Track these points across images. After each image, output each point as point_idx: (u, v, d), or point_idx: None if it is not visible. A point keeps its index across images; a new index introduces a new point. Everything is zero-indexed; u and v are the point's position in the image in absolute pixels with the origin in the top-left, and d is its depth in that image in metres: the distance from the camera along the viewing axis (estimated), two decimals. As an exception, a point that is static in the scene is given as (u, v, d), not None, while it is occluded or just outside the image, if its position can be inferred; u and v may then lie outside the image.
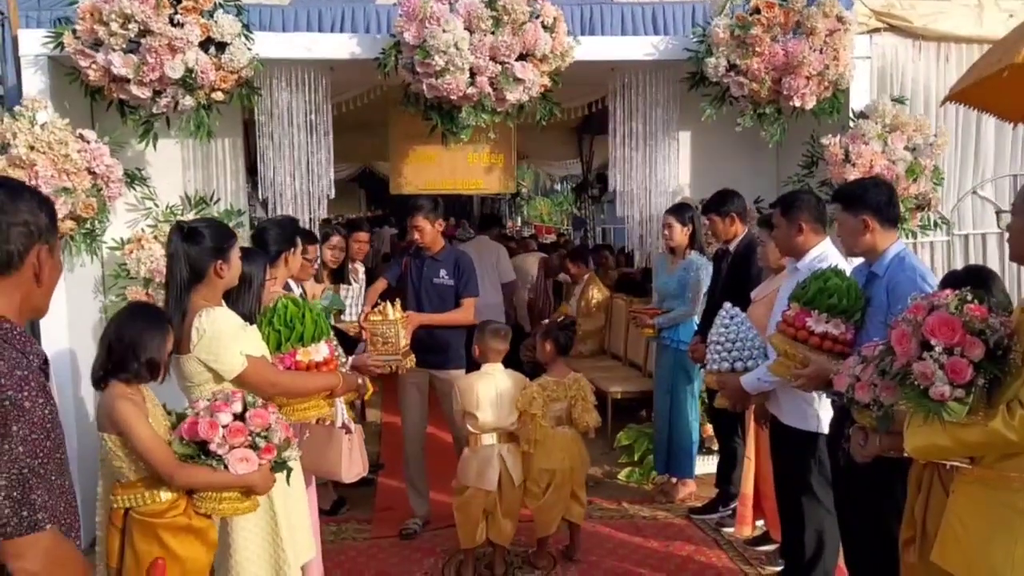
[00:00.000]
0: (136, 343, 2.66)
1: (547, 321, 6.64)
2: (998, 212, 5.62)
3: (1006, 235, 2.37)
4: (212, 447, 2.58)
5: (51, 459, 1.58)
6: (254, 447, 2.62)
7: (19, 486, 1.52)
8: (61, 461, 1.61)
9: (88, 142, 4.51)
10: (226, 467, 2.59)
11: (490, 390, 4.21)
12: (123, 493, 2.68)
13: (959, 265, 5.57)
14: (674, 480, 5.36)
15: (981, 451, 2.11)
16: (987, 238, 5.74)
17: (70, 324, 4.64)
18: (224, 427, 2.59)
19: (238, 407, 2.65)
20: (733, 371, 3.74)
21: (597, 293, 7.73)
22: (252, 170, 5.53)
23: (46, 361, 1.70)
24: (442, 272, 4.86)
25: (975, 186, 5.68)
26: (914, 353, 2.10)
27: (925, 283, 3.11)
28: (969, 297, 2.10)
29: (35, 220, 1.69)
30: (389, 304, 4.30)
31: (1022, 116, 3.41)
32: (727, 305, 3.88)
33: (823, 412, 3.52)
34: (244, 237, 4.70)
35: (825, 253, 3.63)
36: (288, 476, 2.75)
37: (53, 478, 1.57)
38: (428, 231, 4.82)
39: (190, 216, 4.86)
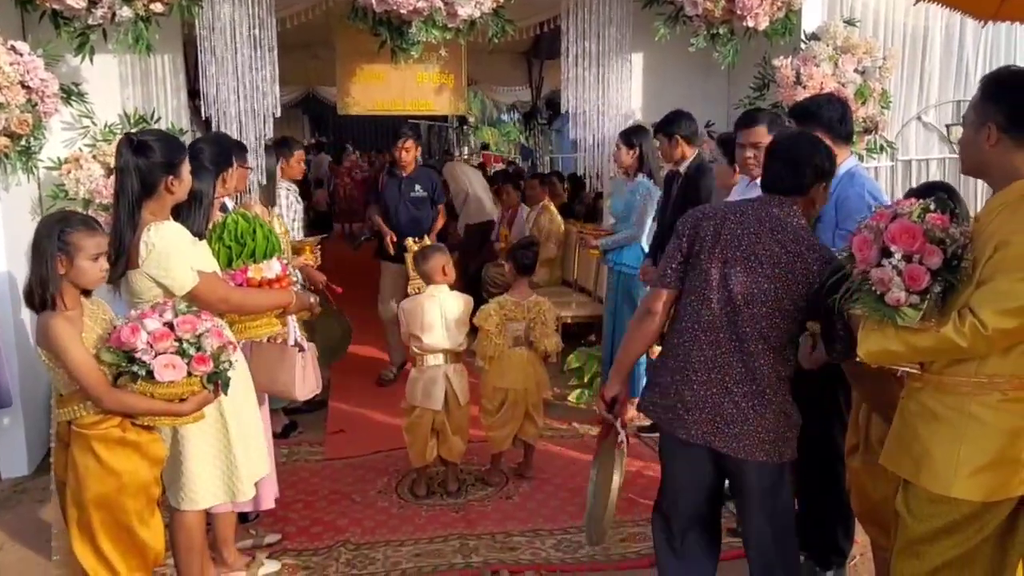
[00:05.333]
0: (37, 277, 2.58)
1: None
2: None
3: (957, 148, 2.39)
4: (137, 354, 2.51)
5: None
6: (183, 355, 2.54)
7: None
8: None
9: (21, 55, 4.31)
10: (151, 375, 2.51)
11: (435, 311, 4.19)
12: (63, 406, 2.65)
13: (903, 190, 5.68)
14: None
15: (932, 356, 2.15)
16: (930, 163, 5.84)
17: (6, 245, 4.49)
18: (149, 332, 2.51)
19: (169, 315, 2.57)
20: None
21: (548, 221, 7.61)
22: (195, 92, 5.35)
23: None
24: (417, 187, 6.05)
25: (920, 111, 5.75)
26: (874, 260, 2.11)
27: (873, 199, 3.15)
28: (932, 207, 2.12)
29: None
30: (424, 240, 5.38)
31: (991, 14, 3.38)
32: None
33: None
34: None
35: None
36: (225, 388, 2.69)
37: None
38: (413, 152, 5.98)
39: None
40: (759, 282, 2.56)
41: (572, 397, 5.78)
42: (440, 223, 6.26)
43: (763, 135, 3.56)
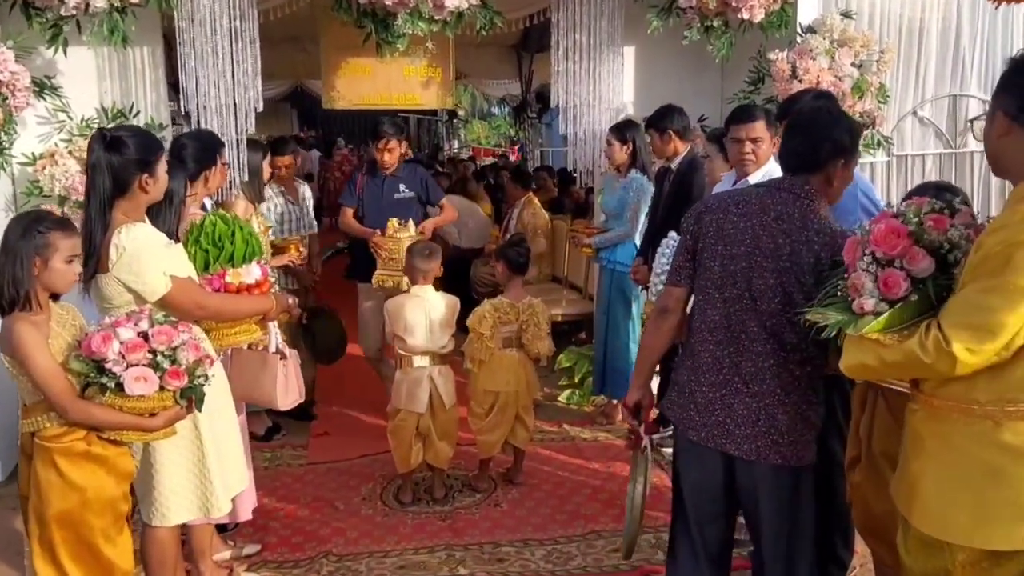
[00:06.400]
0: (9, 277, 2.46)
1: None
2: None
3: (980, 144, 2.22)
4: (107, 364, 2.39)
5: None
6: (157, 368, 2.43)
7: None
8: None
9: (-11, 47, 4.16)
10: (121, 387, 2.39)
11: (419, 313, 4.07)
12: (27, 417, 2.53)
13: (897, 187, 5.58)
14: (614, 402, 5.34)
15: (904, 373, 1.99)
16: (926, 159, 5.74)
17: (-21, 244, 4.34)
18: (121, 342, 2.40)
19: (144, 324, 2.46)
20: None
21: (531, 216, 7.44)
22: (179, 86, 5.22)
23: None
24: (402, 187, 5.07)
25: (915, 106, 5.65)
26: (858, 263, 1.99)
27: (867, 198, 3.05)
28: (937, 206, 1.97)
29: None
30: (411, 222, 4.75)
31: None
32: (673, 235, 3.71)
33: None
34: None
35: (773, 169, 3.54)
36: (199, 404, 2.56)
37: None
38: (397, 153, 5.01)
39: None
40: (765, 277, 2.42)
41: (563, 397, 5.67)
42: (445, 218, 5.30)
43: (762, 130, 3.45)
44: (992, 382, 1.82)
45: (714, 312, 2.51)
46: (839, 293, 1.97)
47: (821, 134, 2.46)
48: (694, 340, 2.58)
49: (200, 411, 2.58)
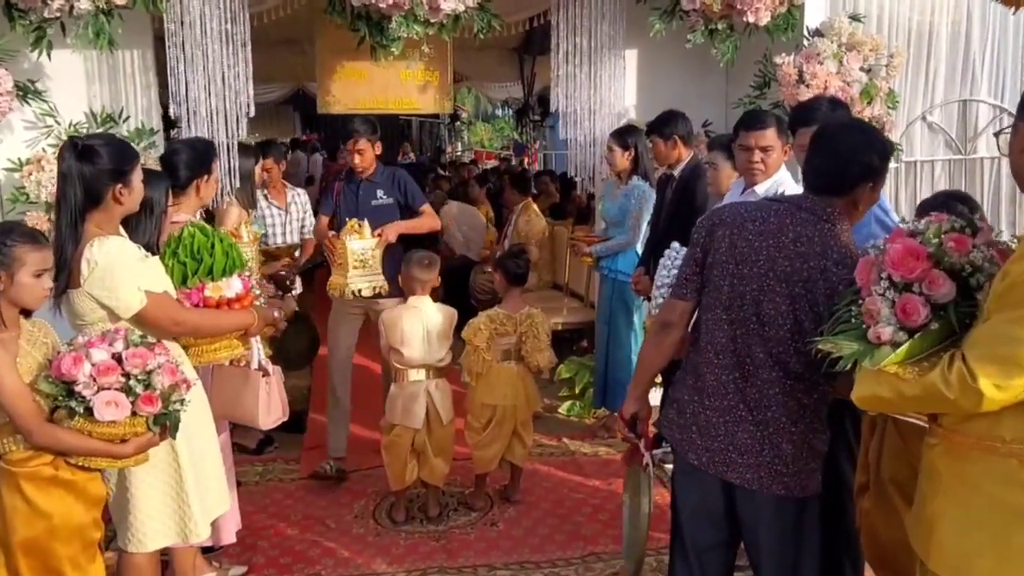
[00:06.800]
0: None
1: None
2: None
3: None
4: (77, 387, 2.27)
5: None
6: (129, 392, 2.30)
7: None
8: None
9: (-31, 50, 4.04)
10: (91, 411, 2.27)
11: (416, 324, 3.94)
12: None
13: (906, 194, 5.46)
14: (615, 414, 5.20)
15: (923, 408, 1.85)
16: (935, 165, 5.61)
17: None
18: (93, 364, 2.27)
19: (119, 345, 2.33)
20: None
21: (525, 224, 7.27)
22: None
23: None
24: (379, 193, 4.58)
25: (924, 111, 5.51)
26: (873, 288, 1.85)
27: (881, 209, 2.91)
28: (958, 225, 1.83)
29: None
30: (366, 222, 4.21)
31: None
32: (675, 245, 3.54)
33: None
34: (156, 159, 4.32)
35: (783, 178, 3.41)
36: (173, 431, 2.44)
37: None
38: (369, 154, 4.53)
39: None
40: (776, 303, 2.28)
41: (563, 409, 5.54)
42: (417, 225, 4.56)
43: (773, 138, 3.32)
44: (1019, 419, 1.68)
45: (721, 334, 2.38)
46: (853, 320, 1.82)
47: (851, 155, 2.30)
48: (699, 360, 2.44)
49: (174, 438, 2.45)
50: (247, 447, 4.80)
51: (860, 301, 1.87)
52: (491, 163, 16.26)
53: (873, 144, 2.34)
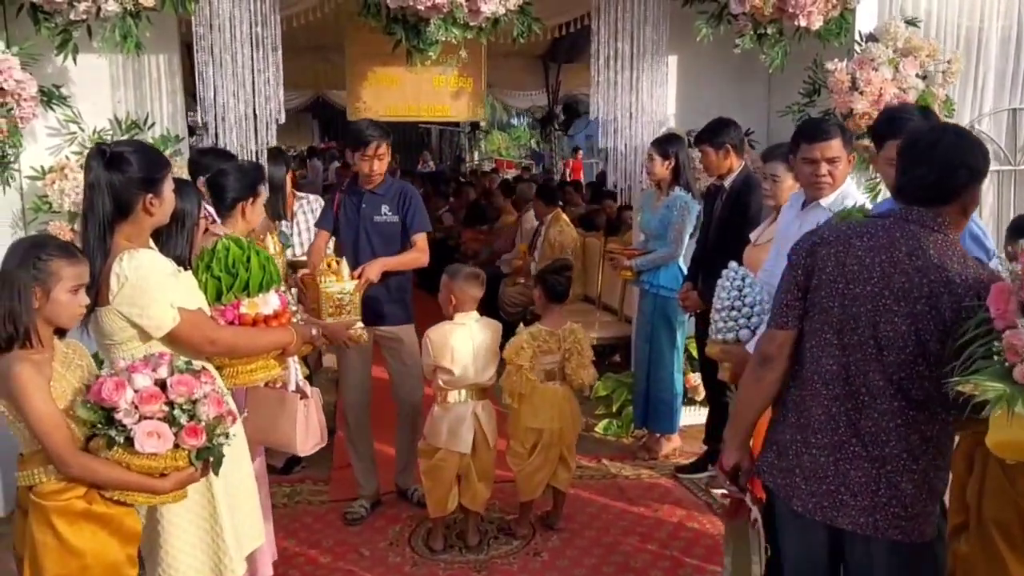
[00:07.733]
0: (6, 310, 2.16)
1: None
2: None
3: None
4: (118, 415, 2.09)
5: None
6: (173, 422, 2.13)
7: None
8: None
9: (-7, 54, 3.89)
10: (131, 441, 2.10)
11: (466, 342, 3.74)
12: (23, 468, 2.23)
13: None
14: (657, 435, 4.99)
15: None
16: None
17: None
18: (136, 391, 2.10)
19: (164, 371, 2.16)
20: (738, 341, 3.04)
21: (557, 234, 7.04)
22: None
23: None
24: (384, 208, 4.12)
25: (973, 120, 5.30)
26: (1013, 317, 1.64)
27: (975, 225, 2.71)
28: None
29: None
30: (344, 262, 3.74)
31: None
32: (733, 265, 3.28)
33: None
34: (181, 167, 4.16)
35: (849, 190, 3.20)
36: (216, 467, 2.25)
37: None
38: (387, 162, 4.14)
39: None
40: (895, 323, 2.06)
41: (600, 428, 5.34)
42: (402, 261, 4.07)
43: (839, 149, 3.11)
44: None
45: (830, 361, 2.16)
46: (995, 356, 1.61)
47: (956, 160, 2.12)
48: (804, 393, 2.23)
49: (216, 475, 2.27)
50: (275, 467, 4.61)
51: (993, 330, 1.66)
52: (512, 172, 16.09)
53: (973, 146, 2.19)
